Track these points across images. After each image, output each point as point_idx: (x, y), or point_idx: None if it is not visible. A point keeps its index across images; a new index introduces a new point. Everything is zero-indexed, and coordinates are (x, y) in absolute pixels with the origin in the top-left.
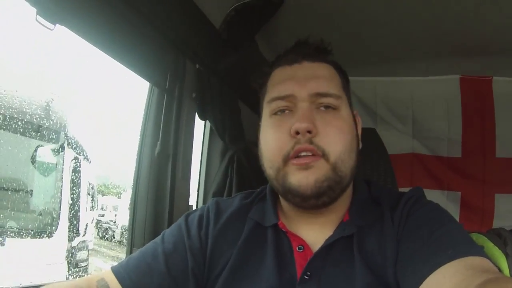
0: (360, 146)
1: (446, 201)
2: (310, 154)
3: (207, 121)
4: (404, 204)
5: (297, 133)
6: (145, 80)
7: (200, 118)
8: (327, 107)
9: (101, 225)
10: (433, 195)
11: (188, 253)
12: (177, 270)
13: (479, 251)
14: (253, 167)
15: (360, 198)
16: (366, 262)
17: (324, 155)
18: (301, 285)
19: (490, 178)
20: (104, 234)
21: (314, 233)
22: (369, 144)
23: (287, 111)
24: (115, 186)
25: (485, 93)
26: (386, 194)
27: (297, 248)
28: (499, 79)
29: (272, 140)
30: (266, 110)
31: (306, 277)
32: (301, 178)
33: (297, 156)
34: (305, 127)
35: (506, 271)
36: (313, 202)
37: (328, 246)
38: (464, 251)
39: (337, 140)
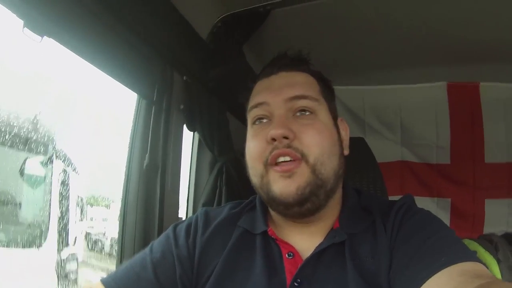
0: (347, 153)
1: (436, 208)
2: (289, 159)
3: (196, 133)
4: (396, 212)
5: (274, 139)
6: (133, 92)
7: (188, 129)
8: (304, 111)
9: (90, 237)
10: (423, 203)
11: (176, 262)
12: (165, 278)
13: (472, 256)
14: (242, 178)
15: (350, 206)
16: (359, 269)
17: (303, 157)
18: None
19: (480, 183)
20: (93, 245)
21: (304, 240)
22: (357, 153)
23: (265, 120)
24: (104, 198)
25: (472, 98)
26: (377, 202)
27: (286, 255)
28: (486, 84)
29: (252, 148)
30: (248, 121)
31: (296, 284)
32: (283, 187)
33: (277, 162)
34: (280, 133)
35: (498, 276)
36: (296, 209)
37: (319, 253)
38: (457, 257)
39: (315, 142)
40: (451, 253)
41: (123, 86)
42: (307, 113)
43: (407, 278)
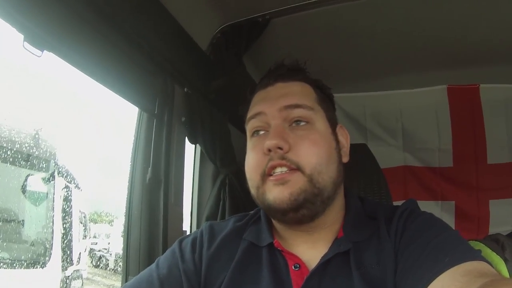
0: (346, 160)
1: (440, 211)
2: (286, 169)
3: (198, 145)
4: (399, 217)
5: (270, 150)
6: (134, 106)
7: (190, 142)
8: (300, 121)
9: (94, 254)
10: (428, 206)
11: (183, 277)
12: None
13: (476, 255)
14: (245, 190)
15: (353, 213)
16: (365, 277)
17: (299, 168)
18: None
19: (483, 185)
20: (98, 262)
21: (309, 251)
22: (361, 160)
23: (262, 132)
24: (107, 214)
25: (473, 101)
26: (380, 208)
27: (293, 266)
28: (486, 86)
29: (250, 160)
30: (247, 133)
31: None
32: (276, 194)
33: (271, 172)
34: (274, 144)
35: (506, 275)
36: (292, 215)
37: (324, 263)
38: (460, 257)
39: (311, 152)
40: (455, 253)
41: (124, 100)
42: (303, 123)
43: (412, 281)
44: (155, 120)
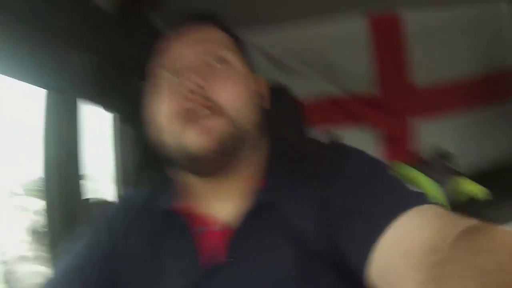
0: (266, 106)
1: (370, 140)
2: (208, 112)
3: (115, 113)
4: (328, 158)
5: (188, 90)
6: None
7: (105, 110)
8: (218, 62)
9: (35, 230)
10: (356, 136)
11: (99, 256)
12: (92, 274)
13: (432, 201)
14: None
15: (277, 160)
16: (292, 232)
17: (220, 110)
18: (219, 271)
19: (412, 110)
20: (35, 237)
21: (226, 208)
22: (283, 101)
23: (177, 74)
24: (39, 187)
25: (396, 28)
26: (306, 151)
27: (208, 228)
28: (408, 10)
29: (163, 106)
30: (155, 80)
31: (223, 261)
32: (197, 140)
33: (192, 116)
34: (194, 82)
35: (443, 198)
36: (214, 163)
37: (246, 220)
38: (417, 201)
39: (234, 94)
40: (409, 197)
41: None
42: (222, 65)
43: (362, 228)
44: (62, 95)
